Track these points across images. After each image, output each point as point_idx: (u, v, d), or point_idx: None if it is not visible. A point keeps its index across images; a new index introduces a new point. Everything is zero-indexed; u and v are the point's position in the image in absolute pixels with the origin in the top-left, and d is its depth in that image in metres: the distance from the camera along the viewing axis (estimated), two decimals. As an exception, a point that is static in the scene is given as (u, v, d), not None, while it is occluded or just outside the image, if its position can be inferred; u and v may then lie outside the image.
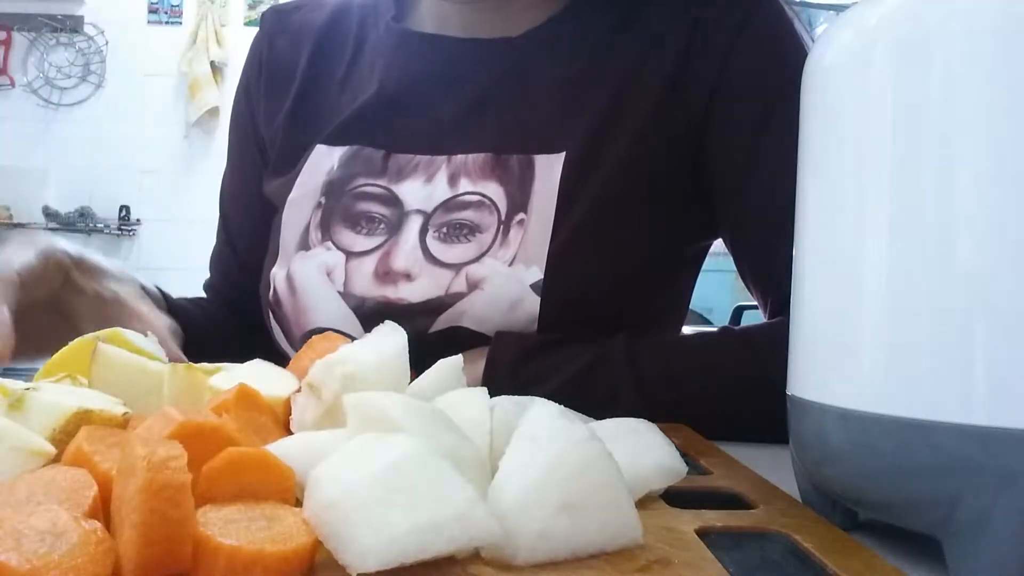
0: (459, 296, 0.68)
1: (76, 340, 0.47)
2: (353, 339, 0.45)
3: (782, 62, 0.70)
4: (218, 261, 0.90)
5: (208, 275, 0.91)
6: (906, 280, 0.32)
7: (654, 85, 0.70)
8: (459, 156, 0.71)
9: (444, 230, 0.69)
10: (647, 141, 0.70)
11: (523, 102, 0.72)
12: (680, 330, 0.83)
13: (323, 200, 0.74)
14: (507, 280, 0.67)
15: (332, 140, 0.75)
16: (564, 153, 0.69)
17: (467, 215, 0.69)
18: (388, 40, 0.79)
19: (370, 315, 0.68)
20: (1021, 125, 0.30)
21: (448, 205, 0.70)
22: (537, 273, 0.67)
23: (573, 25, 0.74)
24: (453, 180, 0.71)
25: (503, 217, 0.69)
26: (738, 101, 0.70)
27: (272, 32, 0.85)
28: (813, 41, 0.38)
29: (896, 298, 0.32)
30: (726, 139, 0.71)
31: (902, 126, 0.32)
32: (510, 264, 0.68)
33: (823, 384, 0.35)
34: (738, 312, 2.18)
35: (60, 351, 0.47)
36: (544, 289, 0.67)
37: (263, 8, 3.15)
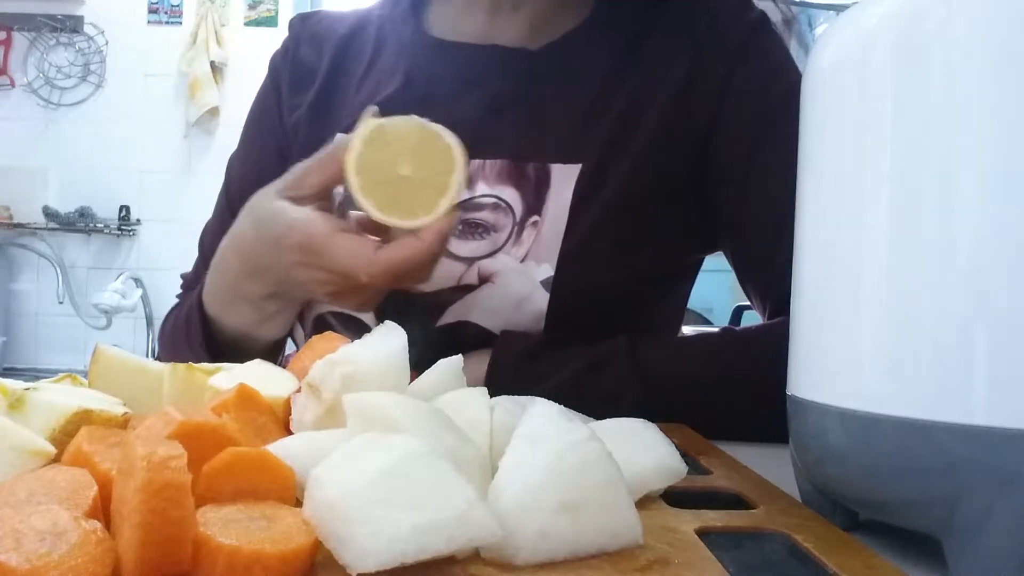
0: (470, 288, 0.69)
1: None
2: (353, 339, 0.45)
3: (780, 80, 0.73)
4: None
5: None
6: (906, 280, 0.32)
7: (662, 103, 0.73)
8: (476, 161, 0.72)
9: (460, 227, 0.71)
10: (656, 155, 0.72)
11: (540, 110, 0.74)
12: (678, 331, 0.84)
13: (341, 189, 0.74)
14: (518, 275, 0.69)
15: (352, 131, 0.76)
16: (580, 165, 0.71)
17: (483, 216, 0.71)
18: (409, 44, 0.80)
19: (383, 302, 0.69)
20: (1021, 125, 0.30)
21: (465, 205, 0.71)
22: (548, 270, 0.69)
23: (588, 43, 0.76)
24: (470, 183, 0.72)
25: (518, 219, 0.71)
26: (739, 116, 0.73)
27: (299, 35, 0.87)
28: (813, 42, 0.38)
29: (896, 298, 0.32)
30: (728, 152, 0.73)
31: (902, 126, 0.32)
32: (522, 261, 0.69)
33: (823, 384, 0.35)
34: (738, 312, 2.19)
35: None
36: (554, 286, 0.68)
37: (263, 8, 3.15)
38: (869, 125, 0.34)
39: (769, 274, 0.72)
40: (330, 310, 0.71)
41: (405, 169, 0.56)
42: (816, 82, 0.37)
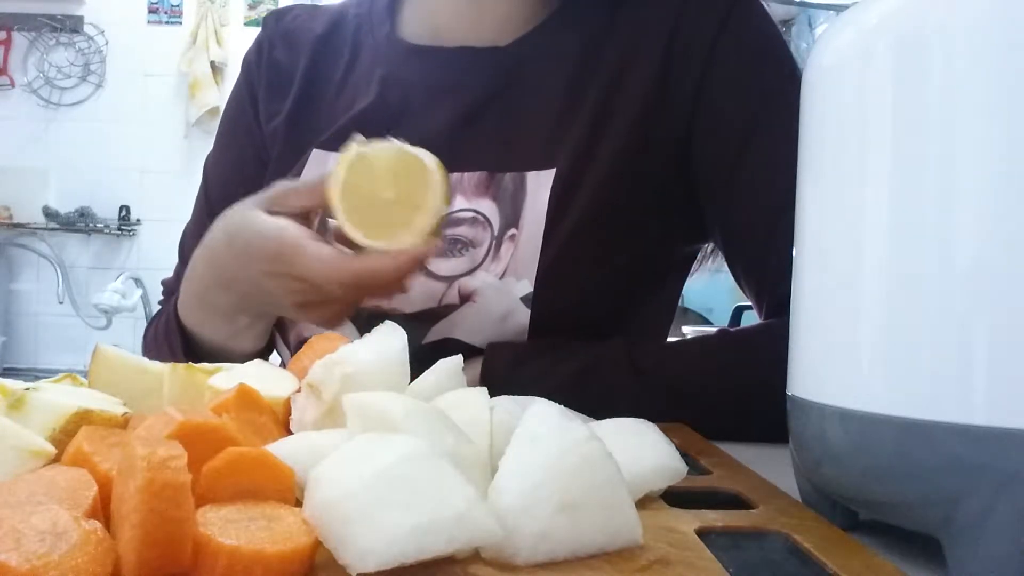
0: (451, 308, 0.69)
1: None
2: (353, 340, 0.45)
3: (765, 63, 0.70)
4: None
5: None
6: (906, 280, 0.32)
7: (637, 94, 0.71)
8: (455, 174, 0.71)
9: (447, 233, 0.70)
10: (633, 151, 0.70)
11: (515, 117, 0.73)
12: (667, 334, 0.83)
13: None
14: (498, 293, 0.68)
15: (329, 145, 0.76)
16: (554, 169, 0.70)
17: (462, 231, 0.70)
18: (384, 51, 0.79)
19: (365, 322, 0.69)
20: (1021, 125, 0.30)
21: (444, 221, 0.70)
22: (527, 286, 0.68)
23: (559, 34, 0.75)
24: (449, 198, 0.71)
25: (496, 233, 0.70)
26: (722, 104, 0.70)
27: (273, 35, 0.85)
28: (813, 42, 0.38)
29: (896, 298, 0.32)
30: (713, 142, 0.71)
31: (902, 126, 0.32)
32: (501, 277, 0.68)
33: (823, 384, 0.35)
34: (738, 312, 2.18)
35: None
36: (534, 302, 0.67)
37: (263, 8, 3.15)
38: (869, 125, 0.34)
39: (764, 272, 0.71)
40: (316, 332, 0.71)
41: (388, 194, 0.56)
42: (816, 82, 0.37)
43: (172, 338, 0.72)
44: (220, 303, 0.66)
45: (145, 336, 0.83)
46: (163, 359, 0.75)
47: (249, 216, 0.61)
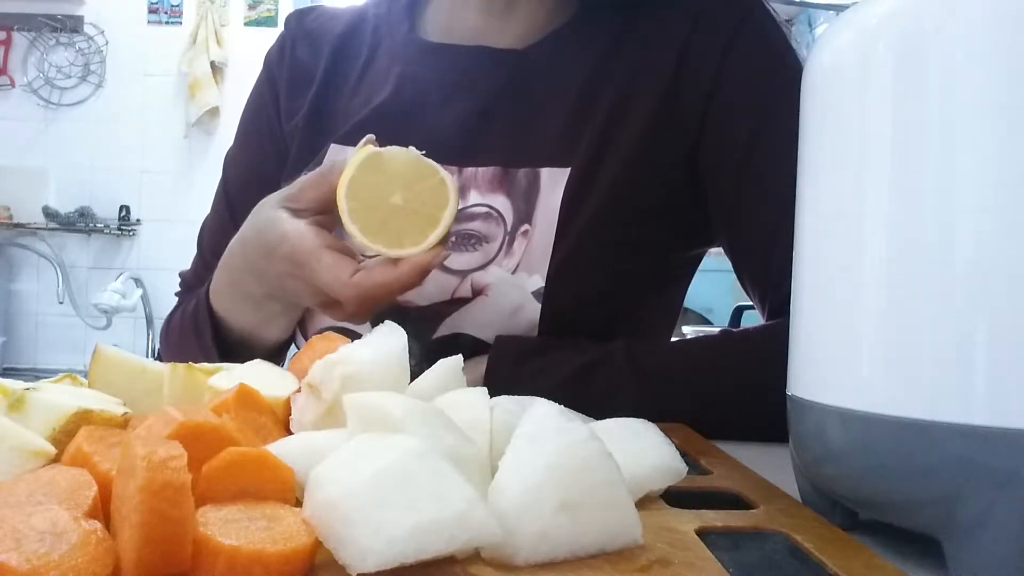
0: (464, 301, 0.70)
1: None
2: (353, 339, 0.45)
3: (775, 70, 0.71)
4: (219, 243, 0.82)
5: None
6: (906, 280, 0.32)
7: (651, 99, 0.72)
8: (469, 169, 0.72)
9: (453, 239, 0.71)
10: (646, 154, 0.71)
11: (529, 114, 0.74)
12: (672, 333, 0.84)
13: None
14: (510, 287, 0.69)
15: (346, 140, 0.76)
16: (569, 169, 0.70)
17: (475, 226, 0.71)
18: (401, 48, 0.80)
19: (380, 316, 0.69)
20: (1021, 125, 0.30)
21: (458, 216, 0.71)
22: (539, 281, 0.69)
23: (575, 39, 0.75)
24: (463, 192, 0.72)
25: (509, 228, 0.71)
26: (732, 108, 0.71)
27: (296, 34, 0.86)
28: (813, 42, 0.38)
29: (896, 298, 0.32)
30: (721, 147, 0.72)
31: (902, 126, 0.32)
32: (513, 272, 0.70)
33: (823, 384, 0.35)
34: (738, 312, 2.18)
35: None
36: (545, 296, 0.68)
37: (263, 8, 3.15)
38: (869, 125, 0.34)
39: (767, 273, 0.72)
40: (333, 325, 0.72)
41: (397, 198, 0.56)
42: (816, 82, 0.37)
43: (201, 325, 0.73)
44: (251, 291, 0.67)
45: (167, 327, 0.83)
46: (187, 347, 0.77)
47: (274, 217, 0.62)
